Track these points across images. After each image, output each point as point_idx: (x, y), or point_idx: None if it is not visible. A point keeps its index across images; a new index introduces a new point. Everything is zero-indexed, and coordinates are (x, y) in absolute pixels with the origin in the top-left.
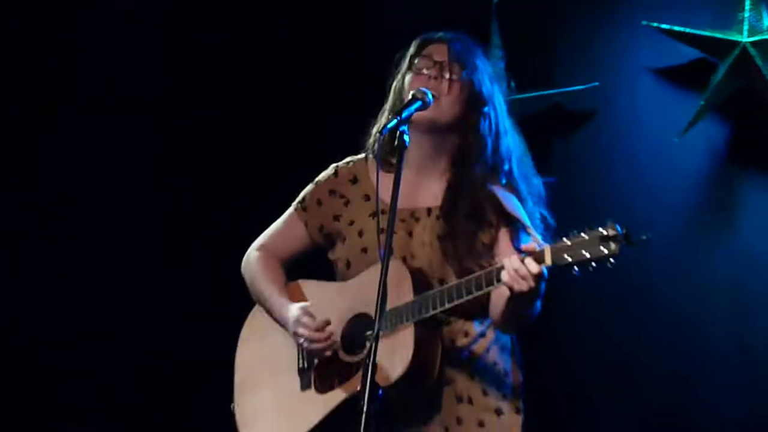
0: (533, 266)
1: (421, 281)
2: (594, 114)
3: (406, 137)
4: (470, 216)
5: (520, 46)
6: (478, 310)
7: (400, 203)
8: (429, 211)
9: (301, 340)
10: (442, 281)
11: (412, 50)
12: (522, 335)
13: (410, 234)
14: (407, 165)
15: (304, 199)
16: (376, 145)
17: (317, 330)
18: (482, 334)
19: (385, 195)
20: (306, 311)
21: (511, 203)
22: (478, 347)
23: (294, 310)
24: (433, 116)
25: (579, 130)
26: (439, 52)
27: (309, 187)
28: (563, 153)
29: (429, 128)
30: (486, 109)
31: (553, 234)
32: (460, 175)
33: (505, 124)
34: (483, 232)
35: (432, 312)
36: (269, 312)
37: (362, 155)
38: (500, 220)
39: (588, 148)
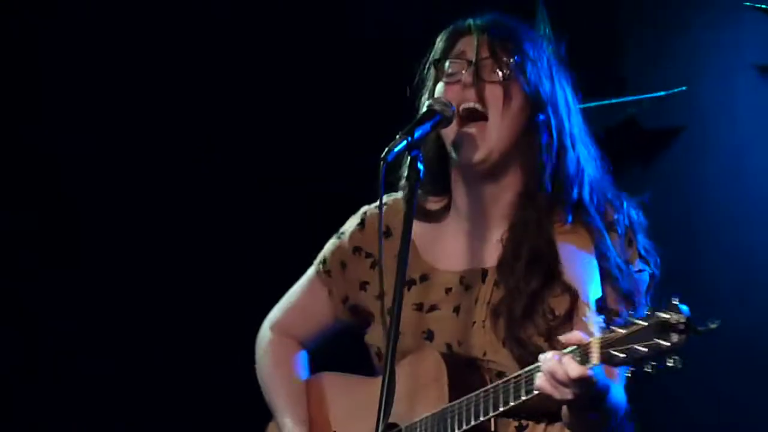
0: (573, 368)
1: (466, 379)
2: (681, 131)
3: (420, 165)
4: (532, 270)
5: (576, 38)
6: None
7: (447, 265)
8: (484, 274)
9: None
10: (501, 374)
11: (438, 49)
12: None
13: (457, 310)
14: (457, 214)
15: (325, 259)
16: (381, 177)
17: None
18: None
19: (427, 256)
20: None
21: (573, 257)
22: None
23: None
24: (480, 151)
25: (660, 154)
26: (473, 46)
27: (331, 242)
28: (639, 184)
29: (481, 171)
30: (543, 115)
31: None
32: (522, 215)
33: (572, 131)
34: (552, 294)
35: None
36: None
37: (400, 194)
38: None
39: (673, 176)
